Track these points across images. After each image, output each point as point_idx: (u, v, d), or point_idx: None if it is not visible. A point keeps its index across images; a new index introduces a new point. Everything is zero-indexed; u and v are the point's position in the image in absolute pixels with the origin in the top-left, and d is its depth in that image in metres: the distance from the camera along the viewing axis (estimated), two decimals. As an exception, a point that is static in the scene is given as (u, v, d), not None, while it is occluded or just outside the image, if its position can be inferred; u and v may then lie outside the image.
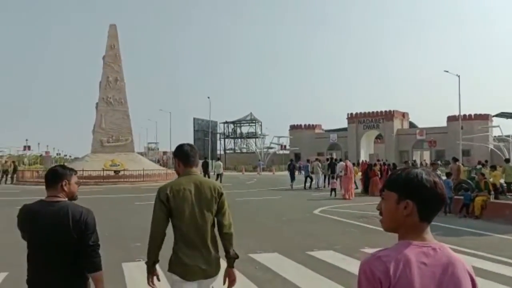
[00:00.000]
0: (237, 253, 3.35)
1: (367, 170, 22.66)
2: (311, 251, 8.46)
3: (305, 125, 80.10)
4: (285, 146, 76.06)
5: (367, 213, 14.32)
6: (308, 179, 25.90)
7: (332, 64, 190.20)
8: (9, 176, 33.37)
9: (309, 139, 77.48)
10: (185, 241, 3.17)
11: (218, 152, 77.33)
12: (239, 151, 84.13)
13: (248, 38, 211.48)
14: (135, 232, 10.46)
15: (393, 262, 1.46)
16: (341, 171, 22.05)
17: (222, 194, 3.30)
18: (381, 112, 71.75)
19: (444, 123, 69.55)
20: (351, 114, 74.30)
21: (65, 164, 37.15)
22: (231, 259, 3.30)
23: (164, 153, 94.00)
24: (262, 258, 7.82)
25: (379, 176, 21.79)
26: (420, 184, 1.54)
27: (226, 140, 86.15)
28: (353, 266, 7.29)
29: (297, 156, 68.57)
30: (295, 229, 11.32)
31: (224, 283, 3.36)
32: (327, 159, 27.80)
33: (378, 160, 27.71)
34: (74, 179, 3.05)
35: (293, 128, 79.74)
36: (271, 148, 74.89)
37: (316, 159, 29.15)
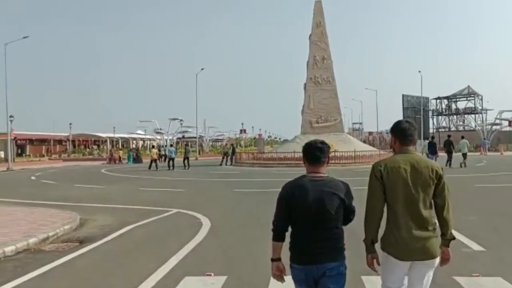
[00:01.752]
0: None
1: None
2: None
3: (541, 95, 66.77)
4: (514, 121, 64.52)
5: None
6: None
7: None
8: (229, 157, 35.76)
9: (547, 112, 64.26)
10: (398, 220, 3.07)
11: (431, 130, 70.75)
12: (454, 129, 75.30)
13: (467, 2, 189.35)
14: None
15: None
16: None
17: (441, 176, 3.12)
18: None
19: None
20: None
21: (277, 145, 38.60)
22: (447, 240, 3.18)
23: (370, 133, 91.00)
24: None
25: None
26: None
27: (439, 117, 78.35)
28: None
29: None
30: None
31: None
32: None
33: None
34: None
35: (524, 100, 67.23)
36: (496, 124, 64.48)
37: None
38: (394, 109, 71.08)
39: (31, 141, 68.23)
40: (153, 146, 41.12)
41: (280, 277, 3.13)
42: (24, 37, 36.21)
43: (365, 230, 3.20)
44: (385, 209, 3.19)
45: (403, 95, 71.29)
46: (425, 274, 3.13)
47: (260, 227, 8.33)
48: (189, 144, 49.98)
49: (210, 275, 5.76)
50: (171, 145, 39.95)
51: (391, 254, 3.10)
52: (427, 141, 25.50)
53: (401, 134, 3.23)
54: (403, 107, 70.40)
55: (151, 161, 30.97)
